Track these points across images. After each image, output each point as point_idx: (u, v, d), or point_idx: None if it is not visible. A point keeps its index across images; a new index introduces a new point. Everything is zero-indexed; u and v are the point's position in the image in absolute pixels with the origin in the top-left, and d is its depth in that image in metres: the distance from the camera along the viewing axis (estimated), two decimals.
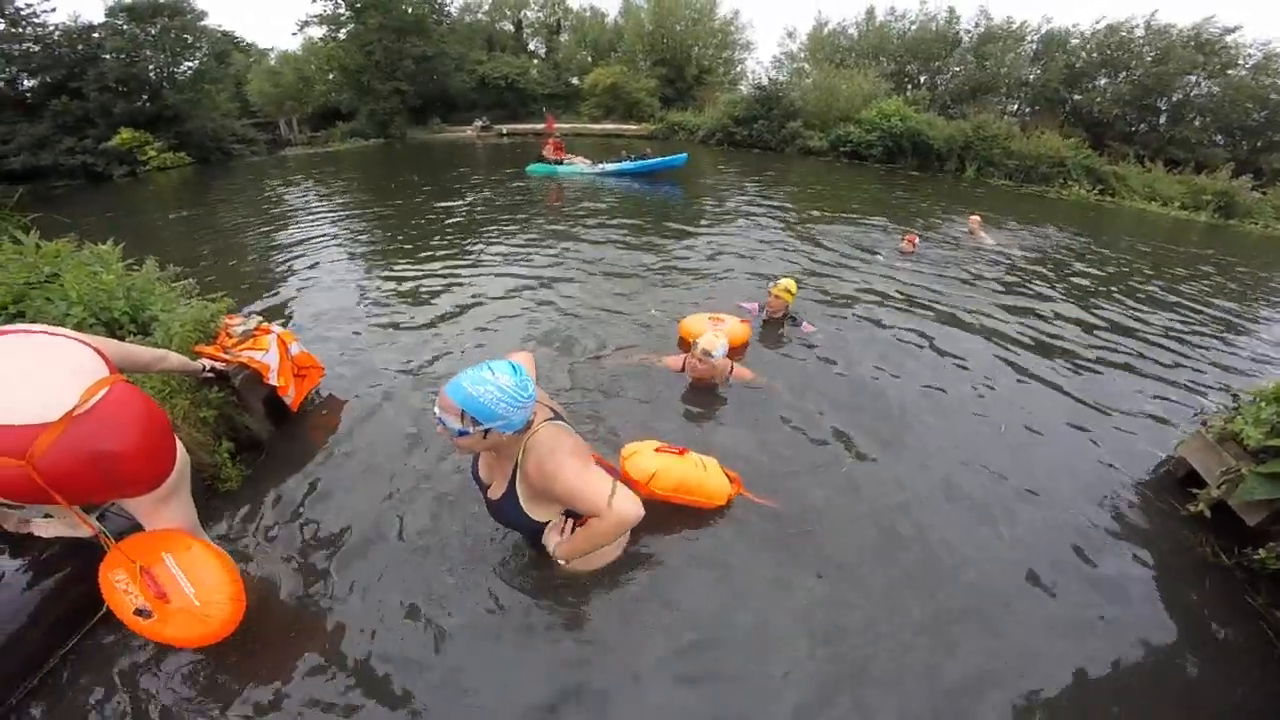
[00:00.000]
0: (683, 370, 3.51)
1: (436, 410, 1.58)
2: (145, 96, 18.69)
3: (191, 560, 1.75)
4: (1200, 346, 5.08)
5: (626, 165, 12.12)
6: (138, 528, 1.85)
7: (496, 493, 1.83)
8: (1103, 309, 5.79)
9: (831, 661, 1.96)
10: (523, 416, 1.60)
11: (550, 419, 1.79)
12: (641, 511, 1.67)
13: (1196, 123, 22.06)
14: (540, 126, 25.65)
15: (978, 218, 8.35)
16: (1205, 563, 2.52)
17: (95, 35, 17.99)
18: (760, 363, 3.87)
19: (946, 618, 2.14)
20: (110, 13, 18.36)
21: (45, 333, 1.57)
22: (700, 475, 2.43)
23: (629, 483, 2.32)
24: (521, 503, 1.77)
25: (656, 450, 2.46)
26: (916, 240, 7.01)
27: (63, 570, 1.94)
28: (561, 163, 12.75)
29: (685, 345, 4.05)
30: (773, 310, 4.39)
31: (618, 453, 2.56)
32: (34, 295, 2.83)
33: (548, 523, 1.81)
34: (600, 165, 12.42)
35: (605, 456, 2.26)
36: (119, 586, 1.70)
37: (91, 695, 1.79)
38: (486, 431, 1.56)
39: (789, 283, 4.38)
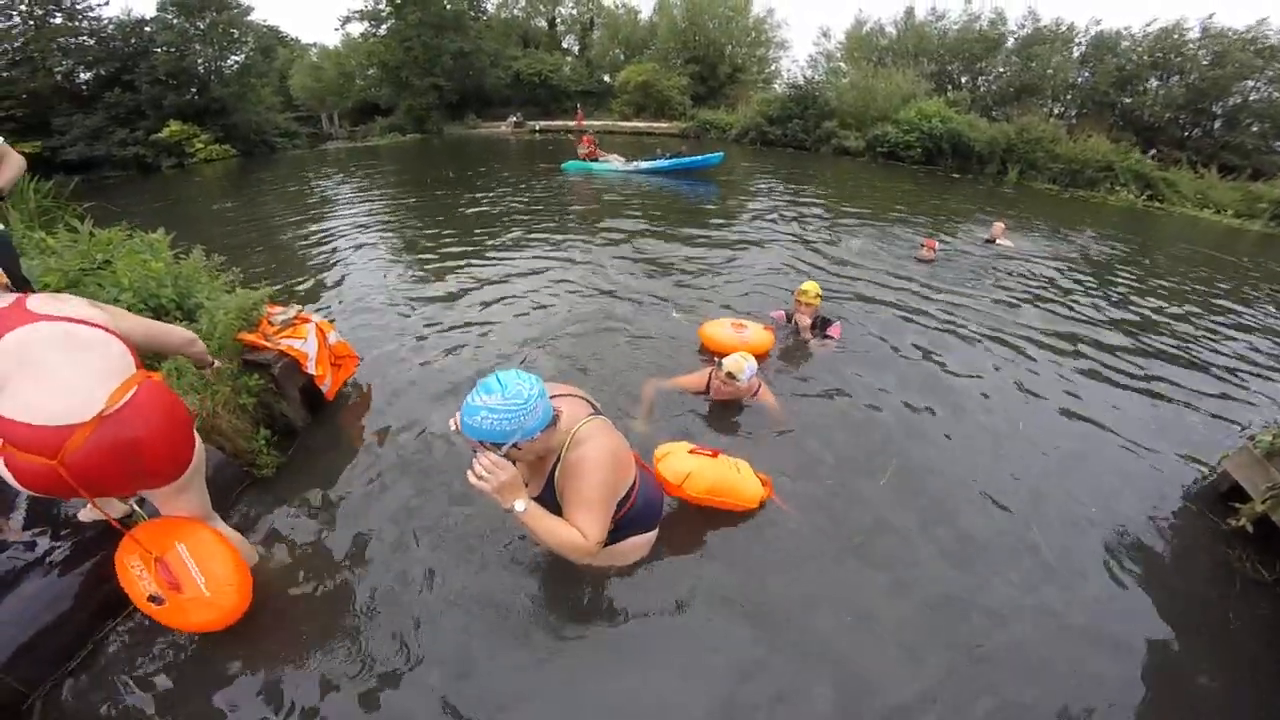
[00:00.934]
0: (705, 391, 3.29)
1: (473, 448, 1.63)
2: (194, 89, 19.36)
3: (203, 550, 1.81)
4: (1248, 360, 4.83)
5: (661, 163, 12.06)
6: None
7: (534, 490, 1.82)
8: (1146, 319, 5.55)
9: (855, 675, 1.92)
10: (536, 419, 1.57)
11: (593, 415, 1.79)
12: (589, 556, 1.74)
13: (1255, 129, 21.00)
14: (573, 124, 25.88)
15: (1002, 224, 8.03)
16: (1246, 578, 2.45)
17: (147, 29, 18.71)
18: (783, 377, 3.74)
19: (978, 629, 2.09)
20: (161, 7, 19.06)
21: (78, 321, 1.56)
22: (734, 478, 2.40)
23: (662, 484, 2.30)
24: (559, 500, 1.77)
25: (690, 452, 2.43)
26: (936, 246, 6.74)
27: (100, 554, 2.00)
28: (596, 160, 12.75)
29: (706, 350, 3.93)
30: (802, 321, 4.10)
31: (650, 454, 2.54)
32: (87, 281, 2.95)
33: None
34: (635, 163, 12.39)
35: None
36: (134, 572, 1.78)
37: (123, 680, 1.84)
38: (515, 445, 1.58)
39: (814, 286, 4.14)
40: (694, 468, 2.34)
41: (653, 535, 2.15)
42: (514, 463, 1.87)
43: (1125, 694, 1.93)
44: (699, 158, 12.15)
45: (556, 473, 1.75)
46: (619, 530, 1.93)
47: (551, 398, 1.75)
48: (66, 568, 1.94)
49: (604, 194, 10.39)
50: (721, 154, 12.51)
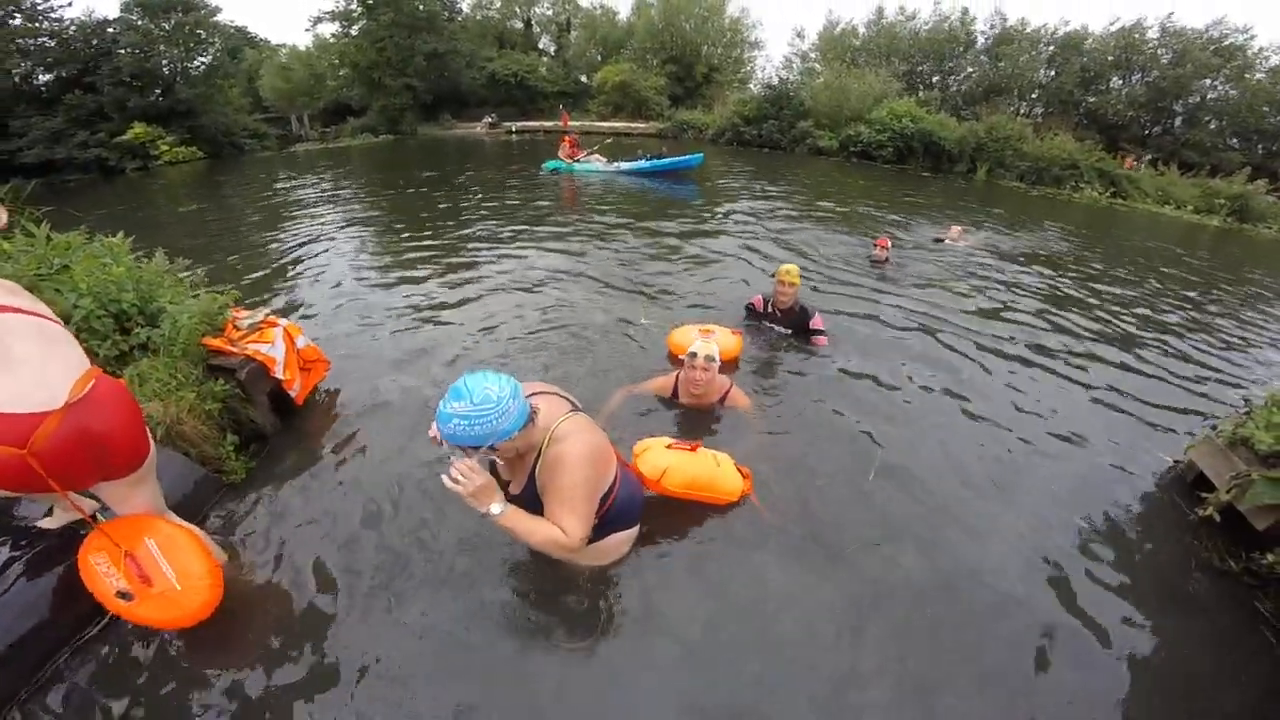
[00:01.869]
0: (673, 395, 3.21)
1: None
2: (159, 91, 18.91)
3: (171, 544, 1.79)
4: (1209, 351, 5.00)
5: (642, 164, 12.09)
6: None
7: (517, 487, 1.84)
8: (1109, 312, 5.71)
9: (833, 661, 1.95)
10: (510, 420, 1.57)
11: (572, 412, 1.80)
12: (571, 553, 1.77)
13: (1212, 126, 21.80)
14: (549, 124, 25.81)
15: (958, 228, 7.90)
16: (1213, 568, 2.50)
17: (110, 30, 18.20)
18: (758, 380, 3.72)
19: (947, 622, 2.12)
20: (125, 8, 18.58)
21: (42, 316, 1.58)
22: (713, 472, 2.41)
23: (640, 479, 2.32)
24: (540, 492, 1.77)
25: (668, 447, 2.44)
26: (889, 244, 6.49)
27: (65, 563, 1.95)
28: (577, 161, 12.76)
29: (675, 358, 3.82)
30: (781, 301, 4.08)
31: (629, 450, 2.54)
32: (44, 286, 2.85)
33: None
34: (616, 164, 12.41)
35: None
36: (99, 569, 1.74)
37: (98, 689, 1.81)
38: (491, 448, 1.59)
39: (793, 268, 4.04)
40: (672, 462, 2.35)
41: (634, 532, 2.16)
42: (495, 463, 1.86)
43: (1092, 686, 1.95)
44: (679, 159, 12.20)
45: (537, 469, 1.75)
46: (601, 527, 1.94)
47: (529, 396, 1.76)
48: (32, 578, 1.89)
49: (581, 195, 10.39)
50: (701, 155, 12.57)
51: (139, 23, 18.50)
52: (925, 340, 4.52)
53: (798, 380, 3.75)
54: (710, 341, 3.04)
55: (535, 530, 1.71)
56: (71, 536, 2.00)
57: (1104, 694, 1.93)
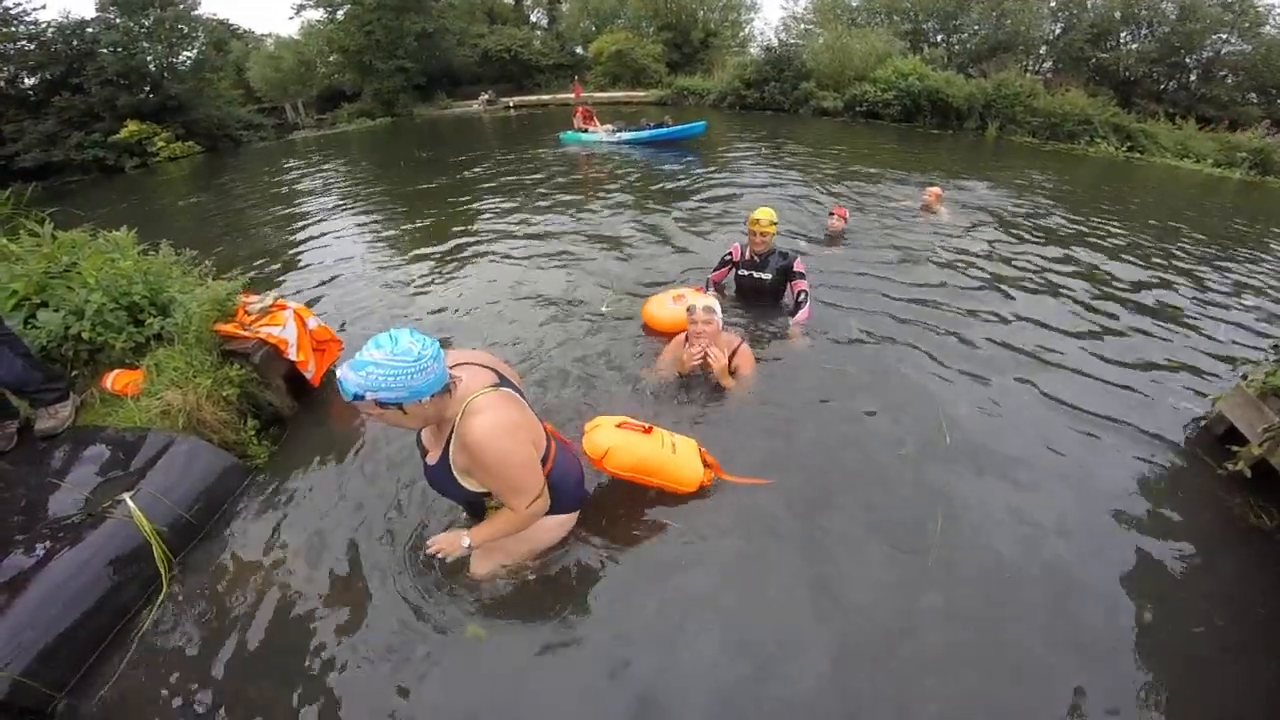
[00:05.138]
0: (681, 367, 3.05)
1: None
2: (147, 88, 18.66)
3: None
4: (1237, 302, 4.86)
5: (644, 134, 11.85)
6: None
7: (432, 458, 1.75)
8: (1130, 265, 5.55)
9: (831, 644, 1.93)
10: (425, 381, 1.49)
11: (496, 384, 1.69)
12: (545, 512, 1.81)
13: (1229, 80, 21.06)
14: (548, 98, 25.36)
15: (937, 189, 6.89)
16: (1248, 524, 2.40)
17: (89, 30, 17.91)
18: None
19: (966, 583, 2.07)
20: (101, 7, 18.28)
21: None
22: (664, 457, 2.23)
23: (588, 459, 2.21)
24: (454, 470, 1.69)
25: (619, 426, 2.26)
26: (847, 214, 5.84)
27: (106, 555, 1.99)
28: (587, 131, 12.63)
29: (650, 331, 3.72)
30: (757, 247, 3.86)
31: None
32: (55, 285, 2.85)
33: (481, 492, 1.74)
34: (619, 134, 12.19)
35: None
36: None
37: (146, 674, 1.84)
38: (399, 407, 1.50)
39: (768, 212, 3.78)
40: (617, 442, 2.18)
41: (570, 518, 2.06)
42: (420, 436, 1.83)
43: (1126, 643, 1.91)
44: (681, 127, 11.92)
45: (452, 443, 1.67)
46: None
47: (455, 366, 1.69)
48: (74, 570, 1.92)
49: (585, 168, 10.19)
50: (704, 123, 12.25)
51: (117, 21, 18.19)
52: (934, 293, 4.41)
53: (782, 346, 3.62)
54: (708, 296, 2.94)
55: (500, 528, 1.79)
56: (109, 526, 2.02)
57: (1132, 657, 1.87)
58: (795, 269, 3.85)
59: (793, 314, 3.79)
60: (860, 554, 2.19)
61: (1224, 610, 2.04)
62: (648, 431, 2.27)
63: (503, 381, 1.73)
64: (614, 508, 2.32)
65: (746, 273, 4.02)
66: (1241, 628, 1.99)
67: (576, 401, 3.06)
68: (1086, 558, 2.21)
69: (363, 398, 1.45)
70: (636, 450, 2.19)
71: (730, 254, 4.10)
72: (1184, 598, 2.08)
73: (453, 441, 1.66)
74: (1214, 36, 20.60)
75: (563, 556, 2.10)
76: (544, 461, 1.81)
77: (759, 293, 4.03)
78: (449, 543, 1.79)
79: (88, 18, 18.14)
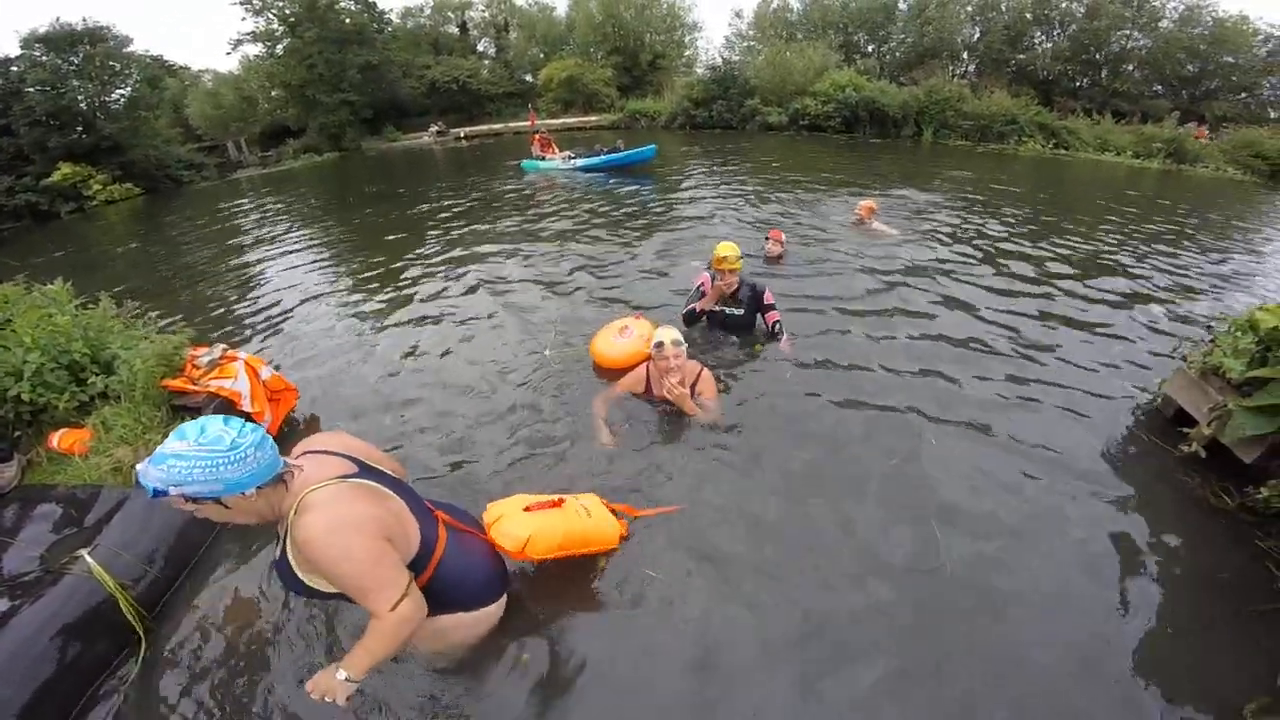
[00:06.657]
0: (646, 391, 3.04)
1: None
2: (80, 128, 17.99)
3: None
4: (1165, 286, 5.19)
5: (597, 160, 12.01)
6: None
7: (277, 553, 1.53)
8: (1059, 255, 5.87)
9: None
10: (246, 470, 1.32)
11: (349, 475, 1.50)
12: (424, 614, 1.50)
13: (1136, 75, 22.70)
14: (499, 127, 25.41)
15: (869, 203, 6.78)
16: (1208, 505, 2.40)
17: (14, 69, 17.23)
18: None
19: (933, 588, 2.10)
20: (25, 44, 17.58)
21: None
22: (585, 524, 2.06)
23: (501, 551, 1.92)
24: (296, 570, 1.48)
25: (526, 509, 2.00)
26: (783, 237, 5.62)
27: (75, 615, 1.96)
28: (544, 159, 12.72)
29: (601, 369, 3.61)
30: (728, 285, 3.71)
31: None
32: None
33: (332, 593, 1.49)
34: (573, 160, 12.31)
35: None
36: None
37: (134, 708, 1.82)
38: (219, 501, 1.33)
39: (732, 248, 3.69)
40: (535, 528, 1.93)
41: (488, 612, 1.80)
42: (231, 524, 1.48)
43: (1096, 628, 1.93)
44: (631, 153, 12.08)
45: (288, 544, 1.48)
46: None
47: (303, 454, 1.55)
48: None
49: (540, 197, 10.06)
50: (653, 147, 12.42)
51: (44, 59, 17.50)
52: (886, 299, 4.56)
53: (752, 371, 3.59)
54: (670, 328, 2.91)
55: (371, 648, 1.47)
56: (69, 583, 1.99)
57: (1102, 641, 1.90)
58: (766, 300, 3.80)
59: (773, 338, 3.79)
60: (825, 561, 2.24)
61: (1193, 590, 2.07)
62: (559, 504, 2.07)
63: (363, 470, 1.54)
64: (544, 582, 2.21)
65: (720, 309, 3.87)
66: (1216, 609, 2.01)
67: (505, 471, 2.81)
68: (1049, 552, 2.23)
69: (166, 493, 1.26)
70: (557, 530, 1.99)
71: (702, 285, 3.86)
72: (1150, 578, 2.10)
73: (288, 542, 1.47)
74: (1118, 33, 22.26)
75: (508, 643, 1.96)
76: (427, 556, 1.60)
77: (735, 328, 3.91)
78: (325, 686, 1.47)
79: (12, 55, 17.51)
